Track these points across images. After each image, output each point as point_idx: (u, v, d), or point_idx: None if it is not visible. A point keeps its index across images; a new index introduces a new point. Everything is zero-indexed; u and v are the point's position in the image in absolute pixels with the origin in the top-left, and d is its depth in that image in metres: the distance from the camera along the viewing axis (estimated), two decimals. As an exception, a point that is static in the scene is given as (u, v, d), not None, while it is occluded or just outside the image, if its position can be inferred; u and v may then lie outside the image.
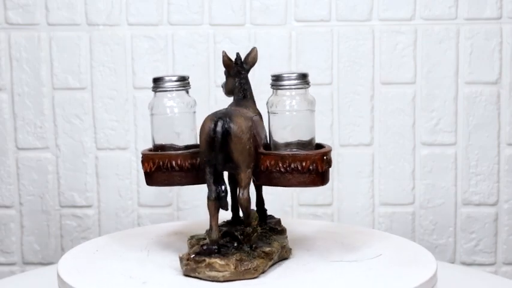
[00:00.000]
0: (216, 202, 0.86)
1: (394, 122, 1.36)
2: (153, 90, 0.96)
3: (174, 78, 0.94)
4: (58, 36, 1.36)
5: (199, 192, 1.37)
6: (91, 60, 1.36)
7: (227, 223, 0.96)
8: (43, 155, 1.38)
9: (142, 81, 1.36)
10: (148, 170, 0.94)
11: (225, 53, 0.95)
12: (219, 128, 0.86)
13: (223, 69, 0.97)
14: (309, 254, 0.96)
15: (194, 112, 0.97)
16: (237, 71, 0.97)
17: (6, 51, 1.36)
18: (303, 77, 0.92)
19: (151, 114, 0.96)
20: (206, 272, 0.85)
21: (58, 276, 0.89)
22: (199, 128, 0.88)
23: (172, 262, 0.93)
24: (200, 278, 0.86)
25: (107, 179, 1.38)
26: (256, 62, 0.98)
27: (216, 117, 0.87)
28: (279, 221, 1.00)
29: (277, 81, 0.93)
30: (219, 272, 0.85)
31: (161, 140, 0.96)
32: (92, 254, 0.96)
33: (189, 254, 0.87)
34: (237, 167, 0.87)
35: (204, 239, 0.94)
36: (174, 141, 0.95)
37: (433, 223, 1.38)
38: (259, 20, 1.34)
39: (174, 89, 0.95)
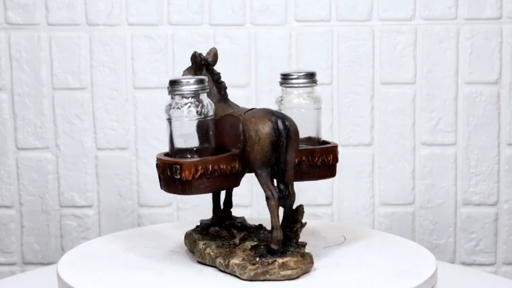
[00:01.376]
0: (280, 201, 0.86)
1: (394, 122, 1.36)
2: (169, 94, 0.91)
3: (192, 81, 0.90)
4: (58, 36, 1.36)
5: (199, 192, 1.37)
6: (91, 60, 1.36)
7: (211, 223, 0.97)
8: (43, 155, 1.38)
9: (142, 81, 1.36)
10: (190, 178, 0.87)
11: (199, 53, 0.95)
12: (282, 128, 0.86)
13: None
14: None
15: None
16: (211, 72, 0.97)
17: (6, 51, 1.36)
18: (311, 76, 0.96)
19: (176, 118, 0.91)
20: (281, 272, 0.85)
21: (58, 276, 0.89)
22: (247, 128, 0.86)
23: (172, 262, 0.93)
24: (268, 280, 0.85)
25: (107, 179, 1.38)
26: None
27: (274, 117, 0.86)
28: (244, 219, 1.00)
29: (285, 79, 0.96)
30: (293, 269, 0.85)
31: (181, 144, 0.91)
32: (92, 254, 0.96)
33: (250, 259, 0.86)
34: (287, 165, 0.87)
35: (200, 232, 0.96)
36: (191, 145, 0.91)
37: (433, 223, 1.38)
38: (259, 20, 1.35)
39: (191, 92, 0.90)
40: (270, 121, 0.86)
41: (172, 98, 0.90)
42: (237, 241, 0.92)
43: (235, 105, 0.95)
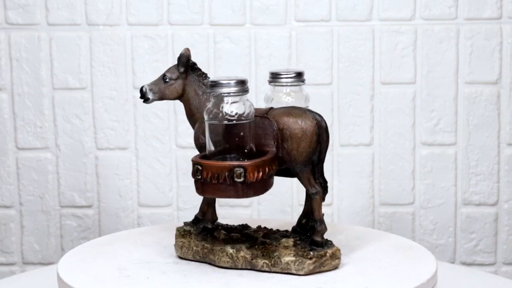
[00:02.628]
0: (323, 195, 0.90)
1: (394, 122, 1.36)
2: (211, 95, 0.89)
3: (235, 82, 0.88)
4: (58, 36, 1.36)
5: (199, 192, 1.37)
6: (91, 60, 1.36)
7: (193, 223, 0.96)
8: (43, 155, 1.38)
9: (142, 81, 1.36)
10: (254, 180, 0.85)
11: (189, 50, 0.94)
12: (324, 126, 0.89)
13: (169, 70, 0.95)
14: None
15: None
16: (200, 72, 0.95)
17: (6, 51, 1.36)
18: (299, 75, 0.96)
19: (217, 120, 0.88)
20: (332, 263, 0.88)
21: (58, 276, 0.89)
22: (289, 127, 0.87)
23: (173, 261, 0.93)
24: (320, 272, 0.88)
25: (107, 179, 1.38)
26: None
27: (312, 113, 0.89)
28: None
29: (274, 78, 0.96)
30: (339, 258, 0.89)
31: (217, 147, 0.89)
32: (92, 254, 0.96)
33: (305, 254, 0.87)
34: (322, 161, 0.91)
35: (193, 226, 0.95)
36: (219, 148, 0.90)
37: (433, 223, 1.38)
38: (259, 20, 1.35)
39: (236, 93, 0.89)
40: (312, 118, 0.88)
41: (213, 99, 0.88)
42: (260, 240, 0.92)
43: None
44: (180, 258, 0.94)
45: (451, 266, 1.22)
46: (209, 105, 0.88)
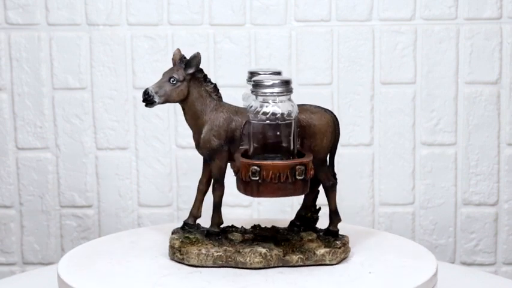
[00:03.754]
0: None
1: (394, 122, 1.36)
2: (255, 94, 0.91)
3: (279, 82, 0.89)
4: (58, 36, 1.36)
5: (199, 192, 1.37)
6: (91, 60, 1.36)
7: (189, 229, 0.97)
8: (43, 155, 1.38)
9: (142, 81, 1.36)
10: (311, 176, 0.89)
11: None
12: (337, 119, 0.94)
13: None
14: (309, 254, 0.96)
15: None
16: (204, 74, 0.95)
17: (6, 51, 1.36)
18: (277, 74, 0.95)
19: (261, 119, 0.89)
20: (348, 250, 0.94)
21: (58, 276, 0.89)
22: (311, 123, 0.91)
23: (172, 261, 0.93)
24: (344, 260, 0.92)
25: (107, 179, 1.38)
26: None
27: (328, 110, 0.93)
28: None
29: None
30: (348, 244, 0.94)
31: (258, 146, 0.90)
32: (92, 254, 0.96)
33: (334, 245, 0.92)
34: (334, 154, 0.96)
35: (191, 228, 0.96)
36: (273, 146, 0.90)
37: (433, 223, 1.38)
38: (259, 20, 1.34)
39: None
40: (329, 114, 0.93)
41: (258, 98, 0.89)
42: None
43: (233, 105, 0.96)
44: (194, 266, 0.91)
45: (451, 266, 1.22)
46: (254, 104, 0.89)
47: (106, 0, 1.34)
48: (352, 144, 1.36)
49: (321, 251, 0.90)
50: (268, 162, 0.86)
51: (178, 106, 1.35)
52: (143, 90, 0.92)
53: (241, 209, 1.37)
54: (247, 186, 0.87)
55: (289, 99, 0.89)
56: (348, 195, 1.37)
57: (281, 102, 0.88)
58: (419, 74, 1.35)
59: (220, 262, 0.91)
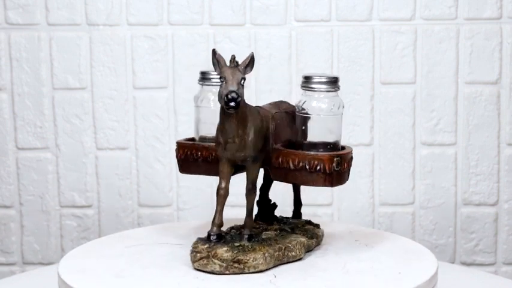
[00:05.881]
0: None
1: (394, 122, 1.36)
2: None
3: (328, 79, 0.94)
4: (58, 36, 1.36)
5: (199, 193, 1.37)
6: (91, 60, 1.36)
7: (218, 239, 0.93)
8: (43, 155, 1.38)
9: (142, 81, 1.36)
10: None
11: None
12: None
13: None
14: (308, 254, 0.96)
15: None
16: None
17: (6, 51, 1.36)
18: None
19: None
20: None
21: (58, 276, 0.89)
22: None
23: (172, 261, 0.93)
24: None
25: (107, 179, 1.38)
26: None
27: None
28: None
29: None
30: None
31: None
32: (92, 254, 0.96)
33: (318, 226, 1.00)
34: None
35: (220, 238, 0.92)
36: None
37: (433, 223, 1.38)
38: (259, 20, 1.35)
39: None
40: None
41: (306, 93, 0.93)
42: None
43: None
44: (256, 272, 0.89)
45: (451, 266, 1.22)
46: (302, 99, 0.93)
47: (106, 0, 1.34)
48: (352, 144, 1.36)
49: (320, 232, 1.00)
50: (344, 152, 0.92)
51: (178, 106, 1.35)
52: (228, 92, 0.85)
53: (242, 209, 1.37)
54: (328, 177, 0.90)
55: (336, 96, 0.93)
56: (348, 195, 1.37)
57: (326, 98, 0.93)
58: (419, 74, 1.35)
59: (278, 261, 0.91)
